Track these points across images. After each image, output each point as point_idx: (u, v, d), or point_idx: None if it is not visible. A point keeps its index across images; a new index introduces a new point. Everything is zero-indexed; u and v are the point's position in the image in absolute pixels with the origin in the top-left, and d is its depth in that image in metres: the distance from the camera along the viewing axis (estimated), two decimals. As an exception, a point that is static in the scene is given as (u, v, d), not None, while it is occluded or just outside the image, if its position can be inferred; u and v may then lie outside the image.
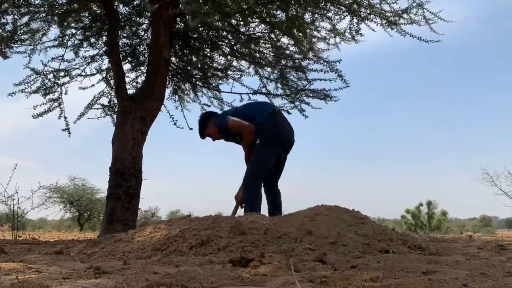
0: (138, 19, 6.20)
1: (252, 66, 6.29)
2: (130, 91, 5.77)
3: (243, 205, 3.96)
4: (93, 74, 6.40)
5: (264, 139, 3.83)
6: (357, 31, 5.42)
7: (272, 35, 5.95)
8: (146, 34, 6.39)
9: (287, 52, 6.02)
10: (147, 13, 5.76)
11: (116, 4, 5.73)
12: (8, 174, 5.79)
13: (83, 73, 6.34)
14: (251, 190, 3.88)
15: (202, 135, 4.32)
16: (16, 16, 5.33)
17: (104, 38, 6.12)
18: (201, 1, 4.67)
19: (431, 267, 1.84)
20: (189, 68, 6.62)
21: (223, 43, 6.24)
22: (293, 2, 5.21)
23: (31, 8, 5.40)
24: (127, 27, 6.26)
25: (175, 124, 6.58)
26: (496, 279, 1.54)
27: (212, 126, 4.17)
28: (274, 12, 5.40)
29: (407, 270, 1.79)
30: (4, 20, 5.27)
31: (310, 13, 5.54)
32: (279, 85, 6.27)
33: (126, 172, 5.06)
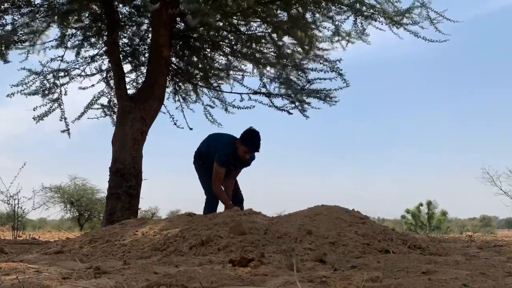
0: (138, 19, 6.20)
1: (253, 65, 6.29)
2: (130, 91, 5.76)
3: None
4: (93, 74, 6.40)
5: None
6: (362, 31, 5.40)
7: (273, 35, 5.94)
8: (146, 34, 6.38)
9: (288, 51, 6.01)
10: (147, 13, 5.75)
11: (116, 4, 5.73)
12: (3, 175, 5.84)
13: (83, 73, 6.34)
14: None
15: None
16: (16, 17, 5.33)
17: (104, 38, 6.12)
18: (201, 0, 4.67)
19: (431, 267, 1.84)
20: (189, 68, 6.62)
21: (224, 43, 6.24)
22: (294, 1, 5.20)
23: (31, 8, 5.39)
24: (127, 27, 6.26)
25: (175, 124, 6.59)
26: (496, 279, 1.54)
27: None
28: (275, 12, 5.39)
29: (407, 270, 1.79)
30: (4, 21, 5.27)
31: (312, 13, 5.54)
32: (279, 85, 6.27)
33: (126, 172, 5.06)
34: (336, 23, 5.45)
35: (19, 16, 5.37)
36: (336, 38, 5.64)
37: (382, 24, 5.22)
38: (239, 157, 4.24)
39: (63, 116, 6.00)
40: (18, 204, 6.14)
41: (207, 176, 4.39)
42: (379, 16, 5.14)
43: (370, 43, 5.56)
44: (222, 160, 4.18)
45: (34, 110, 5.69)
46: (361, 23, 5.35)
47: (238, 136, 4.35)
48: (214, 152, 4.30)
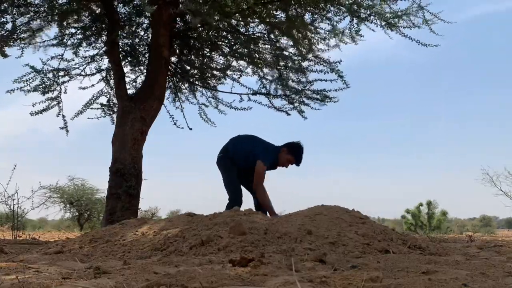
0: (138, 19, 6.20)
1: (251, 66, 6.30)
2: (130, 91, 5.76)
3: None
4: (93, 74, 6.39)
5: None
6: (357, 31, 5.41)
7: (272, 36, 5.95)
8: (146, 34, 6.39)
9: (286, 53, 6.02)
10: (147, 13, 5.75)
11: (116, 4, 5.73)
12: (3, 175, 5.85)
13: (83, 73, 6.33)
14: None
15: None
16: (16, 16, 5.32)
17: (104, 38, 6.12)
18: (201, 1, 4.67)
19: (431, 267, 1.84)
20: (188, 68, 6.62)
21: (223, 43, 6.24)
22: (293, 2, 5.20)
23: (30, 8, 5.39)
24: (127, 27, 6.26)
25: (175, 124, 6.59)
26: (496, 279, 1.54)
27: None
28: (274, 12, 5.40)
29: (407, 270, 1.79)
30: (4, 19, 5.26)
31: (310, 14, 5.54)
32: (278, 85, 6.28)
33: (126, 172, 5.06)
34: (334, 23, 5.45)
35: (19, 16, 5.36)
36: (332, 37, 5.63)
37: (377, 26, 5.22)
38: (276, 165, 4.41)
39: (60, 113, 5.98)
40: (18, 204, 6.14)
41: (234, 176, 4.38)
42: (375, 18, 5.14)
43: (361, 41, 5.53)
44: (268, 162, 4.28)
45: (33, 106, 5.67)
46: (357, 24, 5.35)
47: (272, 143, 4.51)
48: (249, 154, 4.32)
